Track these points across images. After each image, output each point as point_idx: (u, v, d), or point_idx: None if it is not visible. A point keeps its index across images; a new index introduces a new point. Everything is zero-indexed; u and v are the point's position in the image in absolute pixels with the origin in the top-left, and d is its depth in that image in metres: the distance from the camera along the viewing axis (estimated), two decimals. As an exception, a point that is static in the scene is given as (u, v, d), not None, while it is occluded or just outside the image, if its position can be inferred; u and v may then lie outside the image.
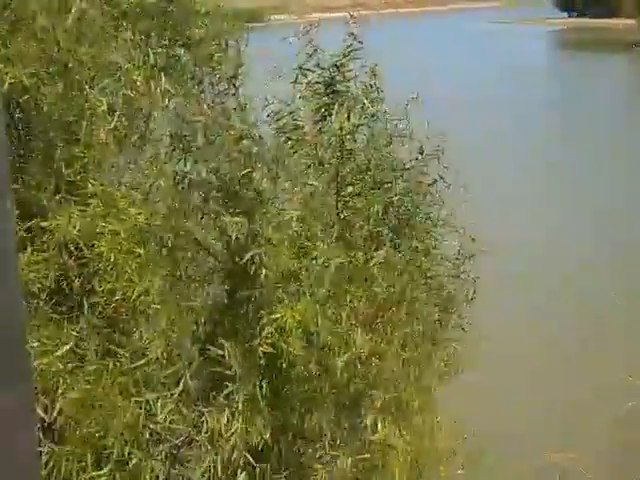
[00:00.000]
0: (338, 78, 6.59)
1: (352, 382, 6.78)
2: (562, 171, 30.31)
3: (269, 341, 6.27)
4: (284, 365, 6.39)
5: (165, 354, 6.21)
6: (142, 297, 6.10)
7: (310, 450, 6.91)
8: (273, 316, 6.25)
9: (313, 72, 6.62)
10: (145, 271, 6.17)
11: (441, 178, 7.58)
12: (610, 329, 16.65)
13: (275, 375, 6.60)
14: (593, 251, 21.16)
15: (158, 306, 6.22)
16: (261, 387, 6.40)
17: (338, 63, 6.56)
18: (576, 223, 23.43)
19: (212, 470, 6.27)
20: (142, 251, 6.22)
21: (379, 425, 6.53)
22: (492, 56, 74.89)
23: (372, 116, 6.87)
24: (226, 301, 6.89)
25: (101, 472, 6.07)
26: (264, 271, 6.29)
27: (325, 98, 6.64)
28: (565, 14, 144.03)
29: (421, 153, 7.45)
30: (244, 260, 6.33)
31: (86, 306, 6.24)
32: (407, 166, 7.43)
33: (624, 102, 49.87)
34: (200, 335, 6.70)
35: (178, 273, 6.65)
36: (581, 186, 28.07)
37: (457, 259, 8.02)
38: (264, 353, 6.29)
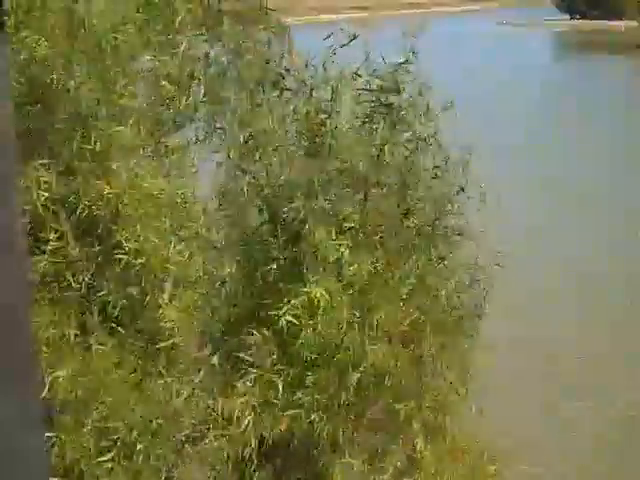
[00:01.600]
0: (388, 88, 6.47)
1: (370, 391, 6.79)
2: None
3: (294, 313, 6.26)
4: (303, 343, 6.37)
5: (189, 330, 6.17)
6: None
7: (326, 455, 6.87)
8: (305, 289, 6.25)
9: (361, 77, 6.49)
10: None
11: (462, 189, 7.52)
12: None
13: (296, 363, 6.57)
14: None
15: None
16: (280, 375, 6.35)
17: (390, 74, 6.42)
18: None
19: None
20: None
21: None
22: (507, 58, 74.64)
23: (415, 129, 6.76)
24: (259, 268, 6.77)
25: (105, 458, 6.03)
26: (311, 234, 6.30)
27: (371, 106, 6.53)
28: (567, 16, 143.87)
29: (446, 162, 7.37)
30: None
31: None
32: (433, 174, 7.37)
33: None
34: (225, 312, 6.67)
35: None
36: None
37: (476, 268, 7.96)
38: (288, 331, 6.25)
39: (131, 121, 6.62)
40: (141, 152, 6.72)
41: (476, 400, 8.37)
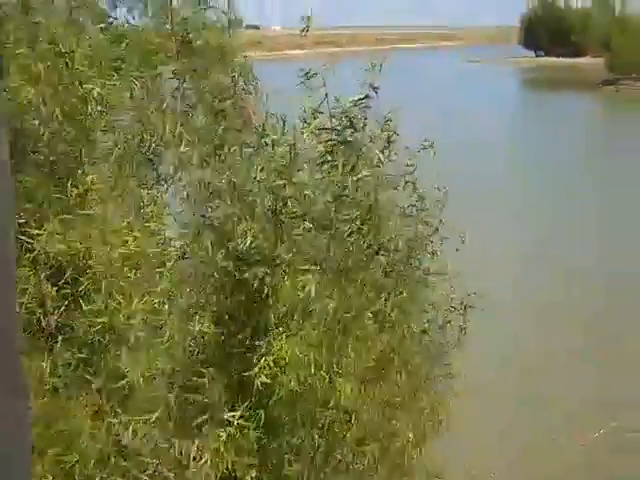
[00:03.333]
0: (348, 125, 6.41)
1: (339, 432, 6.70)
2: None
3: (265, 372, 6.14)
4: (275, 399, 6.27)
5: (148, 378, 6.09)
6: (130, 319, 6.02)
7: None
8: (273, 347, 6.15)
9: (321, 114, 6.43)
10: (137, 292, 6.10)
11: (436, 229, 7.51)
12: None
13: (264, 409, 6.42)
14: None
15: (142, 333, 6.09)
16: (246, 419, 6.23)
17: (349, 111, 6.38)
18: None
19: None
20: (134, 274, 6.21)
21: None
22: (478, 96, 75.89)
23: (378, 164, 6.72)
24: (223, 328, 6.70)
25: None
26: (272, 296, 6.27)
27: (331, 144, 6.47)
28: (532, 53, 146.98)
29: (421, 202, 7.33)
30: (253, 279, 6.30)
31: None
32: (407, 213, 7.33)
33: (597, 143, 50.61)
34: (191, 360, 6.57)
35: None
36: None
37: (451, 310, 7.92)
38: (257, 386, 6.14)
39: (105, 166, 6.61)
40: (112, 199, 6.63)
41: (446, 442, 8.33)
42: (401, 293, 7.37)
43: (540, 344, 18.09)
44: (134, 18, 8.24)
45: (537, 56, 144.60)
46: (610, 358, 17.15)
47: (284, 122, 6.58)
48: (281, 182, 6.31)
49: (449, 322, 8.07)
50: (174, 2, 7.79)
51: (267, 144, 6.52)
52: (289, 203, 6.42)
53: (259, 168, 6.41)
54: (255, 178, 6.47)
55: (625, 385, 15.93)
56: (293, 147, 6.34)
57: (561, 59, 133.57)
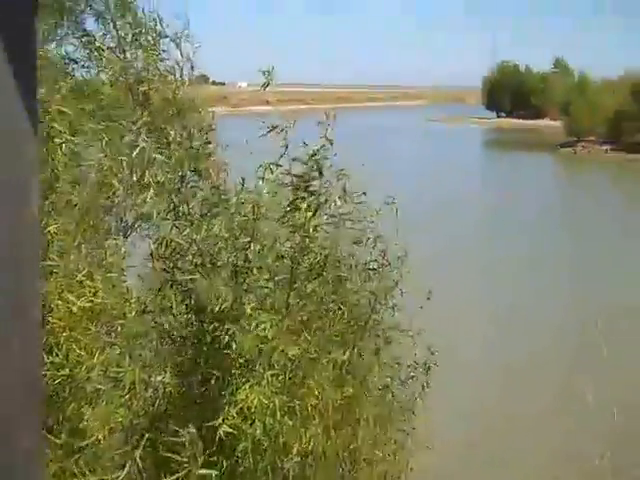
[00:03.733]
0: (309, 175, 6.50)
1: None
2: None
3: (230, 422, 6.08)
4: (241, 450, 6.21)
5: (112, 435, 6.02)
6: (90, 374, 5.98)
7: None
8: (237, 397, 6.08)
9: (281, 166, 6.51)
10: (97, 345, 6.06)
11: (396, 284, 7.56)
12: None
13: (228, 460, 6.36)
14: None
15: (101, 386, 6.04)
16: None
17: (310, 160, 6.47)
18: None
19: None
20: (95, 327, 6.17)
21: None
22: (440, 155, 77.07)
23: (337, 215, 6.79)
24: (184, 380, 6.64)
25: None
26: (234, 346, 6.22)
27: (292, 193, 6.54)
28: (494, 114, 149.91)
29: (383, 256, 7.38)
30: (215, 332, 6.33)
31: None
32: (369, 267, 7.37)
33: (555, 202, 51.64)
34: (153, 414, 6.50)
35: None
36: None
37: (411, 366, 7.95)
38: (220, 436, 6.07)
39: (68, 217, 6.60)
40: (74, 250, 6.61)
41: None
42: (363, 346, 7.39)
43: (504, 404, 18.13)
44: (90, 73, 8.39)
45: (498, 117, 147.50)
46: (575, 417, 17.20)
47: (243, 180, 6.66)
48: (245, 238, 6.35)
49: (412, 378, 8.07)
50: (128, 55, 7.90)
51: (229, 199, 6.57)
52: (250, 256, 6.44)
53: (221, 223, 6.44)
54: (217, 234, 6.50)
55: (590, 443, 15.97)
56: (256, 203, 6.39)
57: (522, 121, 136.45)
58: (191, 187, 6.77)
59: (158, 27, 7.76)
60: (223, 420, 6.04)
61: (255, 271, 6.54)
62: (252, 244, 6.37)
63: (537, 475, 14.90)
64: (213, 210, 6.61)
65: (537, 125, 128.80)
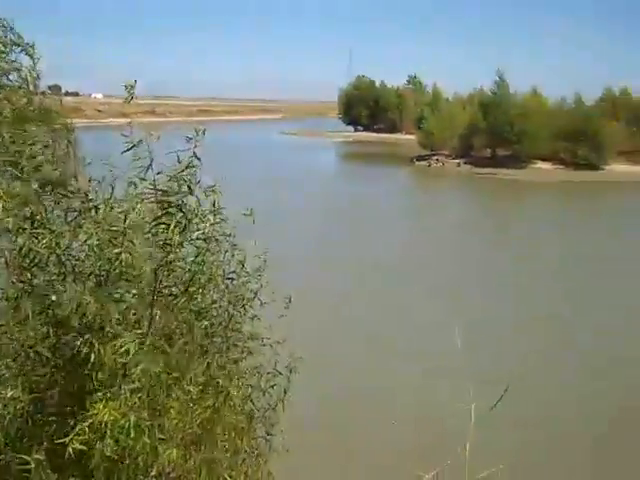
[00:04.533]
0: (174, 190, 6.50)
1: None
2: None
3: (81, 438, 5.92)
4: (94, 469, 6.07)
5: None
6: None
7: None
8: (90, 412, 5.95)
9: (146, 180, 6.48)
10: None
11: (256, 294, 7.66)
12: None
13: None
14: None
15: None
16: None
17: (176, 176, 6.47)
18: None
19: None
20: None
21: None
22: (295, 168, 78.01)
23: (203, 230, 6.82)
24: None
25: None
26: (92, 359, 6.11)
27: (157, 209, 6.52)
28: (351, 128, 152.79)
29: (242, 267, 7.47)
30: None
31: None
32: (228, 277, 7.45)
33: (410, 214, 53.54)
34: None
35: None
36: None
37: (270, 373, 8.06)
38: (74, 453, 5.91)
39: None
40: None
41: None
42: (224, 357, 7.44)
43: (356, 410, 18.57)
44: None
45: (356, 131, 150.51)
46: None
47: (112, 188, 6.58)
48: (112, 249, 6.27)
49: (272, 386, 8.17)
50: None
51: (92, 209, 6.47)
52: (114, 268, 6.38)
53: (85, 233, 6.34)
54: (82, 243, 6.40)
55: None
56: (126, 213, 6.33)
57: (379, 135, 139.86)
58: (53, 196, 6.64)
59: (10, 36, 7.55)
60: (73, 437, 5.90)
61: (121, 283, 6.47)
62: (119, 255, 6.29)
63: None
64: (78, 219, 6.50)
65: (393, 139, 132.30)
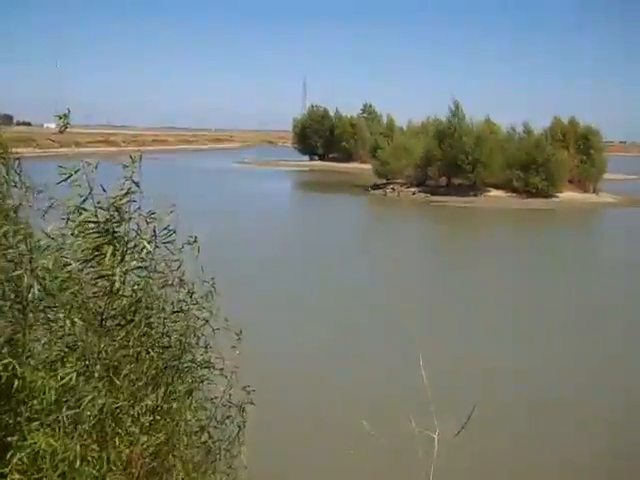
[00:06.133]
0: (114, 219, 6.37)
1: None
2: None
3: (20, 468, 5.81)
4: None
5: None
6: None
7: None
8: (28, 442, 5.82)
9: (87, 210, 6.35)
10: None
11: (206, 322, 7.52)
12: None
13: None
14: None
15: None
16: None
17: (115, 204, 6.36)
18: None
19: None
20: None
21: None
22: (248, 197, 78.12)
23: (146, 258, 6.70)
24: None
25: None
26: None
27: (98, 238, 6.39)
28: (307, 157, 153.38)
29: (191, 296, 7.36)
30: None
31: None
32: (177, 308, 7.32)
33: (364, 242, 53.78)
34: None
35: None
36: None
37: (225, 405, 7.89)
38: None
39: None
40: None
41: None
42: (175, 388, 7.28)
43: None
44: None
45: (311, 160, 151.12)
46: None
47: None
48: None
49: (228, 417, 8.01)
50: None
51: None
52: (54, 296, 6.22)
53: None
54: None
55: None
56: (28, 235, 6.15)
57: (334, 164, 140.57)
58: None
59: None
60: (11, 468, 5.78)
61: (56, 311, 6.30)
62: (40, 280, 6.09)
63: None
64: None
65: (349, 168, 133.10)
